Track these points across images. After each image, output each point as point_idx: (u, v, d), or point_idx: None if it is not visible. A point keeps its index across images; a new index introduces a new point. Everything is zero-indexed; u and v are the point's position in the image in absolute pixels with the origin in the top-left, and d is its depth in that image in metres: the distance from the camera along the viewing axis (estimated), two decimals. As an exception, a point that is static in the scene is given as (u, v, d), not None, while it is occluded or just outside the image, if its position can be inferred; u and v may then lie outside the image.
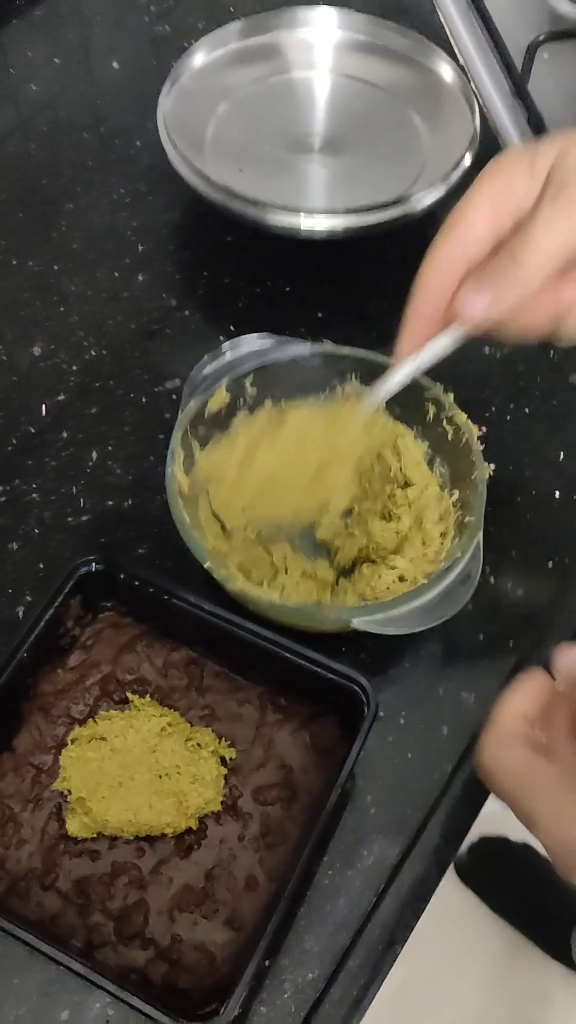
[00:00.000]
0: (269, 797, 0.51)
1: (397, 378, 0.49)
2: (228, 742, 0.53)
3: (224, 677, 0.55)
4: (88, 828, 0.50)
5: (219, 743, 0.53)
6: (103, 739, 0.52)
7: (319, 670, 0.51)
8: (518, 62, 0.85)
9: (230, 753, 0.52)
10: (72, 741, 0.52)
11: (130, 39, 0.91)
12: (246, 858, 0.50)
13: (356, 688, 0.50)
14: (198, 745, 0.52)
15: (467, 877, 1.32)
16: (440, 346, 0.47)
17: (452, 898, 1.33)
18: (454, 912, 1.32)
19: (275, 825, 0.50)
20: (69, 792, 0.51)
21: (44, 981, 0.49)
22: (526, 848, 1.30)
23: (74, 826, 0.50)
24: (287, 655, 0.51)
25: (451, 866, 1.29)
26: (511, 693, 0.41)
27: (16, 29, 0.92)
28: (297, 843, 0.49)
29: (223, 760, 0.52)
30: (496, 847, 1.31)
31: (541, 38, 0.85)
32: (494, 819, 1.33)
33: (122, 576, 0.54)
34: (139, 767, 0.50)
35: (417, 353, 0.47)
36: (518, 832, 1.31)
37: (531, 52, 0.85)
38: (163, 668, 0.56)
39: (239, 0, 0.95)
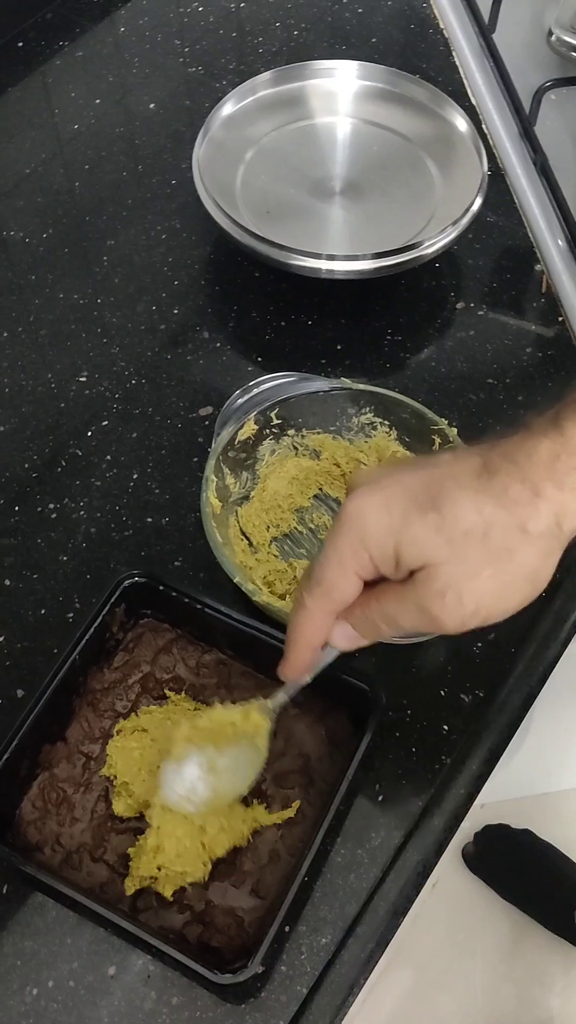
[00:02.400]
0: (289, 782, 0.58)
1: (288, 692, 0.54)
2: None
3: (249, 676, 0.62)
4: (131, 808, 0.57)
5: None
6: (144, 730, 0.59)
7: (333, 671, 0.57)
8: (526, 105, 0.92)
9: None
10: (117, 732, 0.60)
11: (166, 80, 0.98)
12: (270, 835, 0.57)
13: (364, 687, 0.57)
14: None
15: (474, 866, 1.39)
16: (324, 661, 0.52)
17: (460, 886, 1.40)
18: (462, 899, 1.39)
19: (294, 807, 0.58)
20: (115, 777, 0.58)
21: (93, 940, 0.56)
22: (526, 833, 1.37)
23: (119, 807, 0.58)
24: None
25: (459, 856, 1.37)
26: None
27: (59, 69, 0.99)
28: (314, 823, 0.56)
29: None
30: (499, 835, 1.38)
31: (548, 84, 0.91)
32: (495, 809, 1.41)
33: (160, 587, 0.62)
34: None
35: (307, 672, 0.52)
36: (518, 820, 1.38)
37: (538, 96, 0.91)
38: (196, 668, 0.63)
39: (267, 41, 1.01)
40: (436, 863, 0.59)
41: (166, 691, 0.62)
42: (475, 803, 0.61)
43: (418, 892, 0.57)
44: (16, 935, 0.56)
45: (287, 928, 0.55)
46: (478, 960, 1.37)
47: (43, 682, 0.57)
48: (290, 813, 0.57)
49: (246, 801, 0.57)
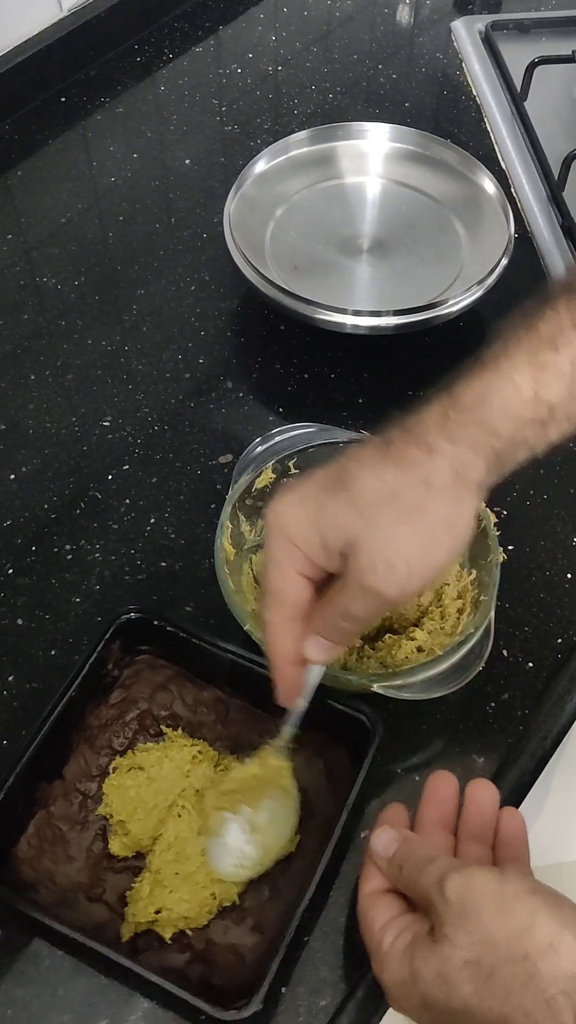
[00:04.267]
0: None
1: (291, 722, 0.55)
2: None
3: (247, 711, 0.62)
4: (128, 847, 0.57)
5: None
6: (141, 768, 0.59)
7: (331, 702, 0.57)
8: (555, 170, 0.93)
9: None
10: (113, 770, 0.60)
11: (202, 137, 1.00)
12: (270, 871, 0.56)
13: (363, 717, 0.57)
14: (225, 770, 0.59)
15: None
16: (313, 681, 0.53)
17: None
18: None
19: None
20: (111, 816, 0.58)
21: (86, 992, 0.55)
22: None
23: (115, 846, 0.57)
24: None
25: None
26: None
27: (100, 124, 1.02)
28: (313, 856, 0.55)
29: None
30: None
31: (577, 151, 0.92)
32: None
33: (156, 622, 0.62)
34: (173, 792, 0.58)
35: (302, 692, 0.54)
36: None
37: (568, 162, 0.92)
38: (193, 705, 0.63)
39: (302, 103, 1.04)
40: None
41: (163, 728, 0.62)
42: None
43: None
44: (8, 983, 0.55)
45: (292, 959, 0.55)
46: None
47: (40, 717, 0.57)
48: (290, 848, 0.56)
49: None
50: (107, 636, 0.61)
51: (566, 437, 0.51)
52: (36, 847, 0.57)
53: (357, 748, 0.57)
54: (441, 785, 0.55)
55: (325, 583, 0.51)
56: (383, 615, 0.62)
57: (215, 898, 0.55)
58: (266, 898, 0.55)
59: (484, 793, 0.55)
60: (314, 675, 0.53)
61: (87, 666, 0.60)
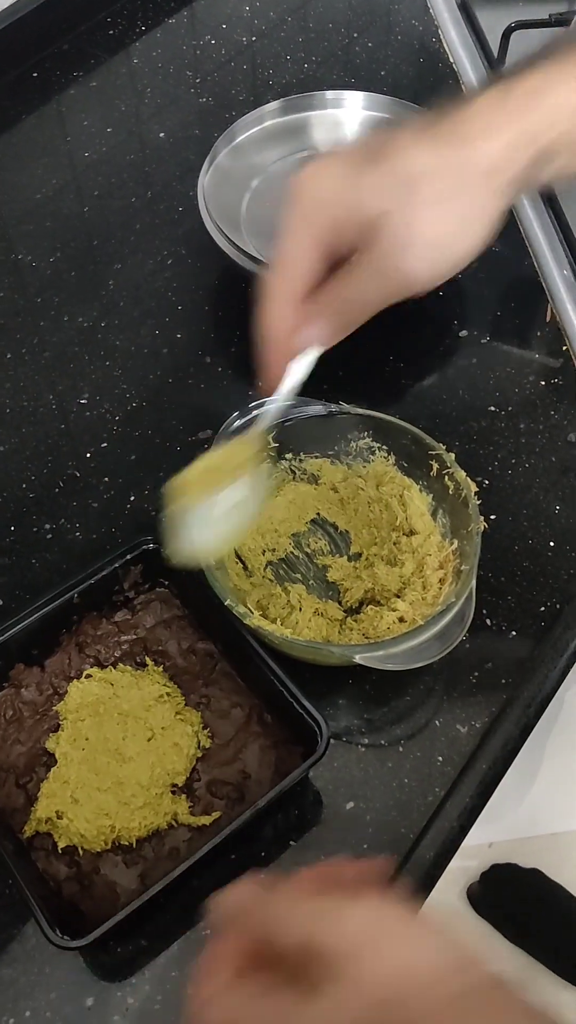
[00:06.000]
0: (220, 792, 0.58)
1: (269, 416, 0.55)
2: (208, 732, 0.60)
3: (230, 678, 0.62)
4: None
5: (201, 729, 0.60)
6: (111, 684, 0.61)
7: (292, 702, 0.57)
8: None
9: (206, 741, 0.60)
10: (87, 677, 0.61)
11: (177, 110, 0.99)
12: (179, 834, 0.57)
13: (314, 726, 0.56)
14: (184, 721, 0.59)
15: (480, 908, 1.36)
16: (301, 371, 0.52)
17: (464, 929, 1.36)
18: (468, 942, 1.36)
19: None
20: (64, 716, 0.60)
21: (72, 970, 0.55)
22: (535, 874, 1.34)
23: (51, 743, 0.59)
24: (272, 679, 0.58)
25: (464, 897, 1.34)
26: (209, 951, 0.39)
27: (74, 99, 1.00)
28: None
29: (198, 744, 0.59)
30: (506, 875, 1.35)
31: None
32: (503, 848, 1.38)
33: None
34: (128, 715, 0.59)
35: (283, 380, 0.52)
36: (527, 860, 1.35)
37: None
38: (185, 652, 0.63)
39: (278, 73, 1.02)
40: (427, 895, 0.57)
41: (148, 660, 0.63)
42: (482, 842, 0.60)
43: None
44: (-6, 962, 0.55)
45: (142, 922, 0.55)
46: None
47: (32, 606, 0.60)
48: (207, 820, 0.57)
49: (174, 792, 0.58)
50: (127, 559, 0.62)
51: None
52: (-7, 718, 0.59)
53: (307, 753, 0.56)
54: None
55: (329, 272, 0.49)
56: (390, 302, 0.52)
57: (113, 831, 0.56)
58: (164, 854, 0.57)
59: None
60: (302, 367, 0.51)
61: (95, 579, 0.61)
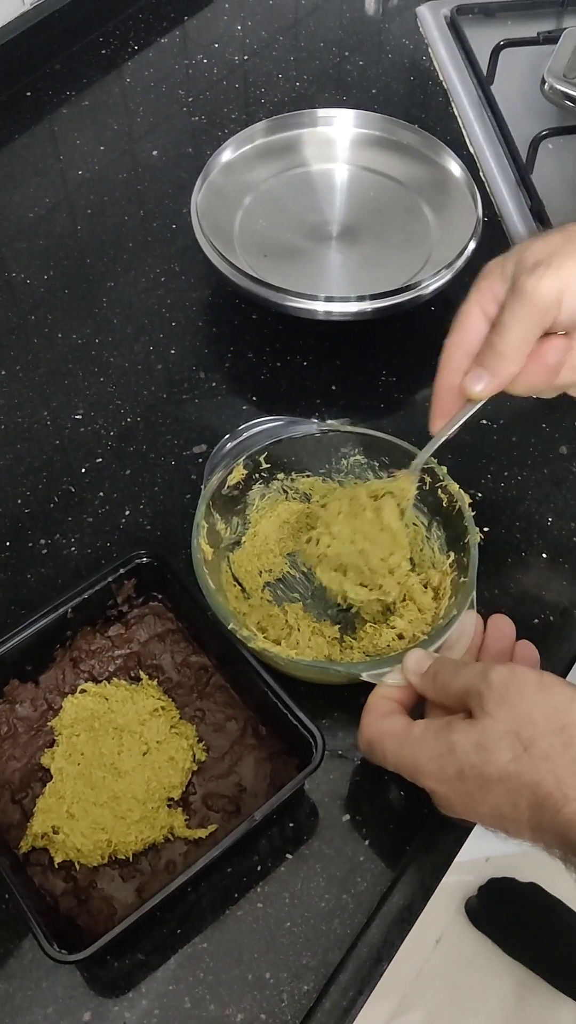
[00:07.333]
0: (216, 805, 0.59)
1: (436, 443, 0.60)
2: (204, 745, 0.60)
3: (224, 691, 0.62)
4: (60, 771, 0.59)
5: (196, 742, 0.60)
6: (106, 699, 0.61)
7: (286, 713, 0.57)
8: (523, 153, 0.93)
9: (202, 755, 0.60)
10: (81, 692, 0.61)
11: (169, 129, 1.00)
12: (176, 847, 0.57)
13: (309, 738, 0.56)
14: (179, 735, 0.60)
15: (478, 921, 1.36)
16: (463, 416, 0.58)
17: (463, 942, 1.36)
18: (465, 955, 1.35)
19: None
20: (59, 731, 0.60)
21: (69, 985, 0.55)
22: (533, 887, 1.34)
23: (47, 759, 0.59)
24: (266, 691, 0.58)
25: (463, 911, 1.34)
26: (378, 687, 0.56)
27: (66, 118, 1.01)
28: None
29: (193, 757, 0.59)
30: (504, 888, 1.34)
31: (544, 132, 0.92)
32: (501, 862, 1.38)
33: (169, 575, 0.63)
34: (123, 730, 0.59)
35: (448, 423, 0.59)
36: (525, 874, 1.35)
37: (535, 144, 0.92)
38: (179, 665, 0.64)
39: (269, 92, 1.03)
40: (422, 908, 0.57)
41: (143, 674, 0.63)
42: (480, 856, 0.61)
43: (403, 939, 0.56)
44: (-10, 977, 0.55)
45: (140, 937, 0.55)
46: (481, 1019, 1.33)
47: (26, 622, 0.60)
48: (203, 833, 0.57)
49: (171, 806, 0.58)
50: (121, 572, 0.63)
51: None
52: (-12, 734, 0.59)
53: (303, 764, 0.56)
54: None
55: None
56: (537, 335, 0.55)
57: (110, 845, 0.56)
58: (160, 868, 0.57)
59: (504, 623, 0.60)
60: (462, 415, 0.58)
61: (90, 593, 0.62)
